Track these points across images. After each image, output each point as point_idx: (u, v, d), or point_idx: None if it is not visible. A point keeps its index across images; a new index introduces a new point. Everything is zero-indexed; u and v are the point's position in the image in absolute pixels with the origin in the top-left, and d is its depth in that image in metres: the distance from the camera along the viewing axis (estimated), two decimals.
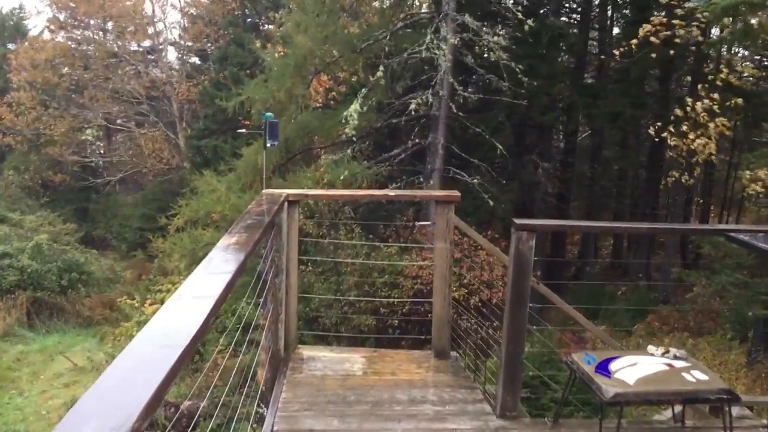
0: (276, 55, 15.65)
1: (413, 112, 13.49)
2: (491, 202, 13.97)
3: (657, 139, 11.91)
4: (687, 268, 16.37)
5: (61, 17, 30.67)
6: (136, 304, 13.07)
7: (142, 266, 21.89)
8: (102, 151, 32.28)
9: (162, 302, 13.54)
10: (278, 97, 13.47)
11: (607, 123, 18.19)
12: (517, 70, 13.57)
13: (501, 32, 14.69)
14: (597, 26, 21.65)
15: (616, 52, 13.13)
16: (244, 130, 13.95)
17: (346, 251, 12.68)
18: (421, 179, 14.45)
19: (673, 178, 13.42)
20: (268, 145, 3.80)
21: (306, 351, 4.30)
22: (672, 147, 11.75)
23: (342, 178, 12.84)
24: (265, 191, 4.05)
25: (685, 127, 11.22)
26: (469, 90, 15.48)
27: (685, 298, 15.13)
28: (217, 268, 2.36)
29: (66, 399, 11.71)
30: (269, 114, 3.79)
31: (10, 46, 32.37)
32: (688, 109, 11.25)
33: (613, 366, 2.94)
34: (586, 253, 21.48)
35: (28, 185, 28.47)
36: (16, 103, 28.46)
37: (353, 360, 4.24)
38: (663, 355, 3.10)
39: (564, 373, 7.99)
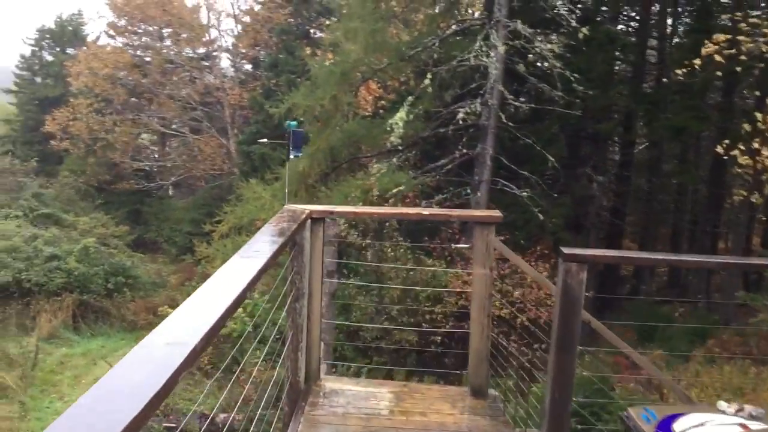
0: (325, 62, 15.48)
1: (461, 122, 13.08)
2: (541, 216, 13.40)
3: (726, 156, 11.14)
4: (748, 290, 15.46)
5: (120, 23, 31.34)
6: None
7: (190, 270, 21.98)
8: (156, 156, 32.79)
9: None
10: (324, 105, 13.25)
11: (668, 136, 17.38)
12: (572, 78, 13.03)
13: (554, 40, 14.16)
14: (656, 34, 20.82)
15: (678, 72, 12.42)
16: (265, 140, 13.71)
17: (389, 263, 12.33)
18: (468, 191, 14.00)
19: (741, 197, 12.64)
20: (292, 156, 3.45)
21: (329, 383, 3.94)
22: (741, 165, 10.97)
23: (387, 188, 12.54)
24: (287, 207, 3.73)
25: (756, 144, 10.47)
26: (520, 99, 14.96)
27: (747, 322, 14.24)
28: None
29: None
30: (293, 123, 3.45)
31: (69, 51, 33.19)
32: (759, 123, 10.51)
33: (676, 427, 2.50)
34: (641, 269, 20.59)
35: (83, 188, 29.05)
36: (75, 109, 29.12)
37: (380, 396, 3.87)
38: (736, 413, 2.64)
39: (616, 403, 7.45)
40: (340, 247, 11.63)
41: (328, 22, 23.16)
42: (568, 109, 14.11)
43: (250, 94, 27.17)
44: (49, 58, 34.61)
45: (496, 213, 3.91)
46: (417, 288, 11.76)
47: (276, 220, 3.45)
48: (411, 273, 12.04)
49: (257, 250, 2.73)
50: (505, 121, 13.45)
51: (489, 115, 13.54)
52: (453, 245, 11.56)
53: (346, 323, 11.19)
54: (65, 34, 34.44)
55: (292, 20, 27.81)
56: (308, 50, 20.89)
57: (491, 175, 13.77)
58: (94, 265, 18.03)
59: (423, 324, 11.75)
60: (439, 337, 11.57)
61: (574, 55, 14.56)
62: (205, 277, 13.73)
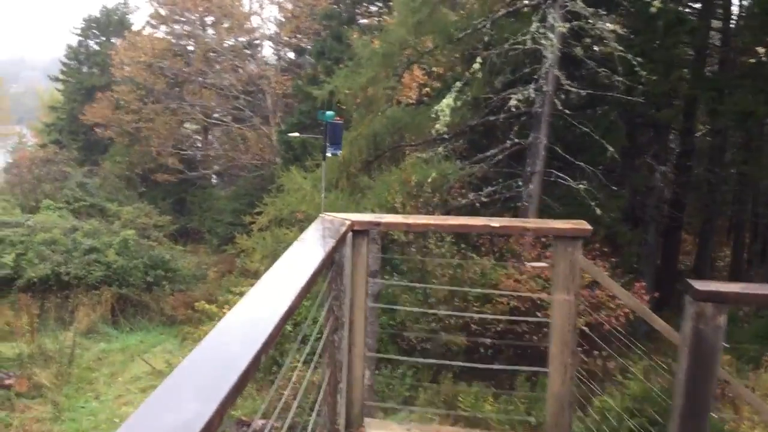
0: (367, 43, 14.82)
1: (513, 109, 12.25)
2: (599, 210, 12.52)
3: None
4: None
5: (163, 12, 31.21)
6: (215, 309, 12.58)
7: (230, 262, 21.69)
8: (199, 145, 32.67)
9: None
10: (366, 87, 12.59)
11: (733, 123, 16.21)
12: (634, 62, 12.09)
13: (615, 20, 13.18)
14: (721, 14, 19.51)
15: (745, 60, 11.35)
16: (296, 134, 13.13)
17: (435, 261, 11.66)
18: (520, 183, 13.19)
19: None
20: (329, 153, 2.85)
21: (373, 429, 3.29)
22: None
23: (431, 179, 11.83)
24: (324, 216, 3.08)
25: None
26: (576, 84, 14.02)
27: None
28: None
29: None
30: (330, 113, 2.85)
31: (115, 40, 33.25)
32: None
33: None
34: (703, 263, 19.46)
35: (127, 177, 29.08)
36: (117, 98, 29.14)
37: None
38: None
39: None
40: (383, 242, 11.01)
41: (374, 8, 22.55)
42: (628, 95, 13.13)
43: (293, 82, 26.71)
44: (95, 47, 34.80)
45: (584, 225, 3.16)
46: (467, 287, 11.05)
47: (311, 234, 2.81)
48: (458, 271, 11.35)
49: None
50: (560, 108, 12.58)
51: (543, 102, 12.69)
52: (528, 263, 10.73)
53: (391, 330, 10.58)
54: (111, 24, 34.57)
55: (335, 6, 27.21)
56: (356, 35, 20.21)
57: (545, 166, 12.93)
58: (133, 258, 17.78)
59: (471, 325, 11.07)
60: (489, 339, 10.87)
61: (637, 37, 13.57)
62: (243, 271, 13.33)
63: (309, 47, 27.92)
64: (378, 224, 3.15)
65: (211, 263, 22.40)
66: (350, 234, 3.00)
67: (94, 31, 34.85)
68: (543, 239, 11.65)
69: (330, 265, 2.84)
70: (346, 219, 3.04)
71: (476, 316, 10.82)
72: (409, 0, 12.40)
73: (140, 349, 14.94)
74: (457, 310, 11.04)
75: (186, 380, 1.40)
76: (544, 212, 13.11)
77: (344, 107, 13.66)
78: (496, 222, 3.15)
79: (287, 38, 30.70)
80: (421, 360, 10.29)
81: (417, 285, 10.71)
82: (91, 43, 35.01)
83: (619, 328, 10.37)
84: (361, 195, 12.87)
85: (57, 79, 36.02)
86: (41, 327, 15.33)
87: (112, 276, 17.34)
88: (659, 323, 2.88)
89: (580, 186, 12.59)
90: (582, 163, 13.10)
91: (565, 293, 3.06)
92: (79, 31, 34.79)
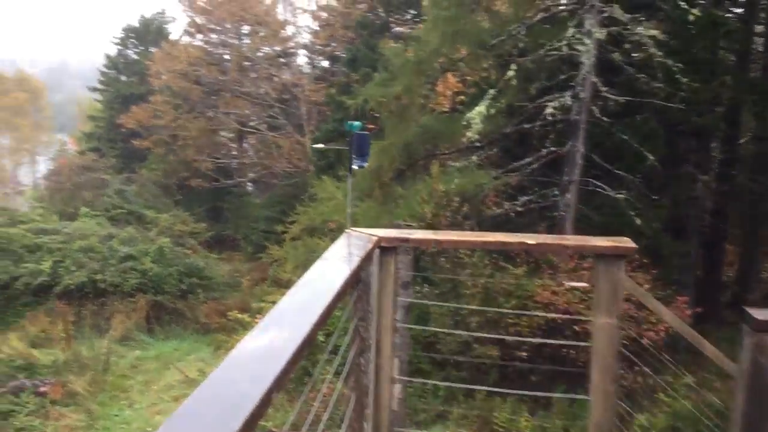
0: (400, 52, 14.70)
1: (549, 117, 11.99)
2: (638, 221, 12.16)
3: None
4: None
5: (199, 21, 31.61)
6: (247, 318, 12.55)
7: (264, 270, 21.71)
8: (235, 153, 32.93)
9: None
10: (399, 97, 12.46)
11: None
12: (675, 68, 11.74)
13: (654, 25, 12.85)
14: (763, 18, 18.95)
15: None
16: (322, 145, 13.00)
17: (467, 271, 11.44)
18: (556, 192, 12.90)
19: None
20: (355, 166, 2.72)
21: None
22: None
23: (463, 188, 11.63)
24: (350, 231, 2.94)
25: None
26: (614, 91, 13.69)
27: None
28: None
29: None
30: (357, 123, 2.71)
31: (153, 50, 33.78)
32: None
33: None
34: (746, 275, 18.82)
35: (165, 184, 29.44)
36: (155, 107, 29.56)
37: None
38: None
39: None
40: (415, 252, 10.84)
41: (408, 16, 22.49)
42: (668, 102, 12.76)
43: (327, 91, 26.78)
44: (134, 56, 35.39)
45: (627, 243, 2.95)
46: (502, 299, 10.82)
47: (335, 251, 2.67)
48: (491, 282, 11.10)
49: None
50: (598, 115, 12.28)
51: (580, 110, 12.40)
52: (567, 282, 10.45)
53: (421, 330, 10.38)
54: (149, 33, 35.14)
55: (370, 15, 27.22)
56: (391, 43, 20.14)
57: (582, 175, 12.62)
58: (168, 266, 17.92)
59: (506, 337, 10.80)
60: (524, 353, 10.61)
61: (677, 43, 13.20)
62: (276, 281, 13.26)
63: (343, 55, 27.98)
64: (406, 240, 2.99)
65: (245, 271, 22.48)
66: (377, 251, 2.85)
67: (133, 40, 35.46)
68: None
69: (356, 284, 2.70)
70: (372, 235, 2.89)
71: (508, 338, 10.57)
72: (441, 7, 12.25)
73: (174, 357, 14.99)
74: (491, 321, 10.81)
75: (187, 425, 1.27)
76: (581, 222, 12.80)
77: (377, 115, 13.56)
78: (532, 239, 2.96)
79: (321, 47, 30.84)
80: (450, 383, 10.08)
81: (450, 305, 10.50)
82: (130, 52, 35.64)
83: (657, 342, 10.05)
84: (394, 204, 12.73)
85: (96, 89, 36.72)
86: (77, 334, 15.49)
87: (148, 283, 17.49)
88: (710, 350, 2.66)
89: (619, 195, 12.27)
90: (621, 172, 12.76)
91: (607, 316, 2.85)
92: (118, 41, 35.44)
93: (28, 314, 16.51)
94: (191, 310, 17.67)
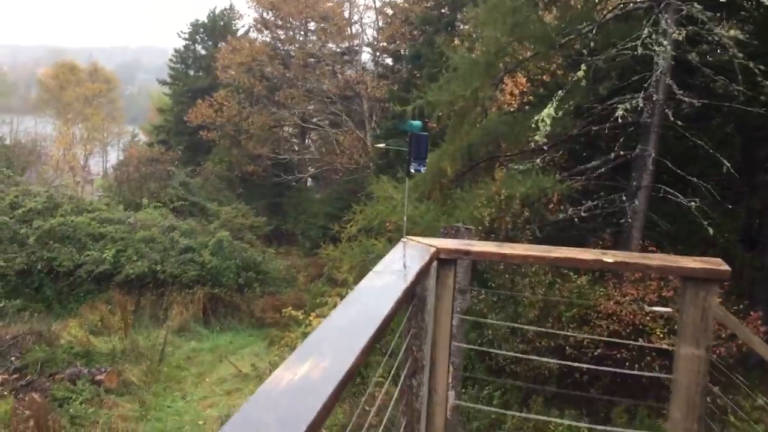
0: (464, 52, 14.37)
1: (620, 119, 11.47)
2: (711, 230, 11.52)
3: None
4: None
5: (267, 17, 31.97)
6: (301, 316, 12.50)
7: (321, 266, 21.73)
8: (296, 148, 33.20)
9: (325, 316, 13.03)
10: (461, 98, 12.14)
11: None
12: (756, 71, 11.05)
13: (734, 25, 12.16)
14: None
15: None
16: (382, 144, 12.76)
17: (526, 279, 11.07)
18: (624, 197, 12.36)
19: None
20: (413, 170, 2.51)
21: None
22: None
23: (523, 191, 11.24)
24: (406, 240, 2.72)
25: None
26: (689, 94, 13.02)
27: None
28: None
29: (223, 410, 11.35)
30: (417, 123, 2.49)
31: (220, 45, 34.35)
32: None
33: None
34: None
35: (228, 177, 29.89)
36: (219, 101, 30.05)
37: None
38: None
39: None
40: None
41: (466, 11, 22.05)
42: (747, 106, 12.04)
43: (389, 88, 26.65)
44: (202, 51, 36.08)
45: (721, 266, 2.59)
46: (563, 308, 10.40)
47: (389, 262, 2.46)
48: (550, 292, 10.71)
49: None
50: (671, 118, 11.67)
51: (653, 112, 11.83)
52: (648, 307, 9.89)
53: (476, 348, 10.09)
54: (216, 29, 35.71)
55: (433, 12, 26.93)
56: (450, 40, 19.81)
57: (652, 181, 12.05)
58: (226, 259, 18.07)
59: (566, 347, 10.41)
60: (585, 365, 10.18)
61: (760, 44, 12.45)
62: (331, 279, 13.16)
63: (406, 53, 27.81)
64: (467, 253, 2.75)
65: (302, 266, 22.58)
66: (435, 263, 2.63)
67: (201, 35, 36.13)
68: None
69: (410, 299, 2.48)
70: (430, 245, 2.66)
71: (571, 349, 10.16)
72: (507, 6, 11.87)
73: (229, 350, 15.10)
74: (550, 331, 10.42)
75: None
76: (649, 230, 12.26)
77: (440, 114, 13.28)
78: (610, 256, 2.66)
79: (385, 44, 30.73)
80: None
81: (511, 324, 10.16)
82: (198, 47, 36.34)
83: (729, 359, 9.47)
84: (453, 206, 12.45)
85: (165, 83, 37.62)
86: (136, 323, 15.79)
87: (206, 276, 17.69)
88: None
89: (692, 203, 11.64)
90: (693, 179, 12.12)
91: (693, 346, 2.52)
92: (186, 36, 36.18)
93: (89, 302, 16.95)
94: (247, 303, 17.79)
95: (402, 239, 2.76)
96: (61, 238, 17.85)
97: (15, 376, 11.88)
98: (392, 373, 2.46)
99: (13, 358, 12.61)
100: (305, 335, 12.75)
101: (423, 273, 2.46)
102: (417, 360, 2.51)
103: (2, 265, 17.01)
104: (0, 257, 17.04)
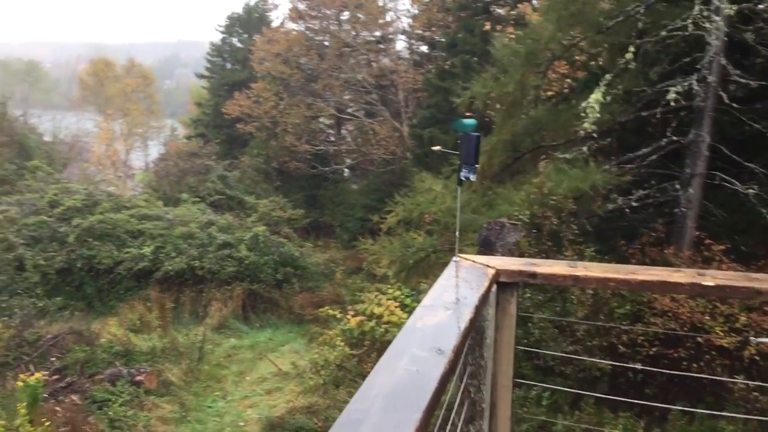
0: (506, 40, 13.83)
1: (673, 103, 10.85)
2: None
3: None
4: None
5: (301, 7, 31.71)
6: (338, 315, 12.23)
7: (360, 259, 21.47)
8: (332, 139, 32.96)
9: (364, 314, 12.79)
10: (507, 90, 11.65)
11: None
12: None
13: None
14: None
15: None
16: (438, 148, 12.42)
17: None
18: (677, 186, 11.74)
19: None
20: (463, 177, 2.17)
21: None
22: None
23: (570, 183, 10.72)
24: (458, 260, 2.35)
25: None
26: (745, 75, 12.27)
27: None
28: None
29: (264, 410, 11.16)
30: (470, 122, 2.15)
31: (256, 38, 34.25)
32: None
33: None
34: None
35: (265, 170, 29.80)
36: (256, 93, 29.95)
37: None
38: None
39: None
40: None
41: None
42: None
43: (425, 76, 26.16)
44: (238, 44, 36.07)
45: None
46: (615, 304, 9.90)
47: (441, 289, 2.09)
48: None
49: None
50: (727, 101, 11.01)
51: (706, 95, 11.17)
52: (755, 339, 9.18)
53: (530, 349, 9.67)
54: (252, 21, 35.64)
55: None
56: (488, 26, 19.24)
57: (707, 168, 11.41)
58: (264, 254, 17.91)
59: (619, 346, 9.91)
60: (639, 364, 9.68)
61: None
62: (369, 274, 12.83)
63: (441, 40, 27.26)
64: (533, 275, 2.36)
65: (341, 259, 22.33)
66: (495, 287, 2.25)
67: (237, 28, 36.12)
68: (714, 255, 10.28)
69: (471, 331, 2.11)
70: (488, 265, 2.29)
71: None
72: None
73: (269, 348, 14.93)
74: (601, 331, 9.94)
75: None
76: (704, 220, 11.63)
77: (490, 110, 12.83)
78: (709, 279, 2.25)
79: (420, 31, 30.20)
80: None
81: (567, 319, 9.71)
82: (234, 40, 36.35)
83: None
84: (495, 195, 12.02)
85: (203, 76, 37.74)
86: (175, 321, 15.72)
87: (244, 272, 17.55)
88: None
89: (750, 191, 10.97)
90: (751, 165, 11.43)
91: None
92: (223, 29, 36.21)
93: (128, 299, 16.96)
94: (286, 299, 17.60)
95: (453, 258, 2.38)
96: (101, 236, 17.91)
97: (55, 377, 11.88)
98: (444, 419, 2.10)
99: (53, 359, 12.63)
100: (344, 332, 12.49)
101: (482, 302, 2.09)
102: (475, 403, 2.15)
103: (43, 263, 17.14)
104: (40, 256, 17.17)
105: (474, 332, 2.16)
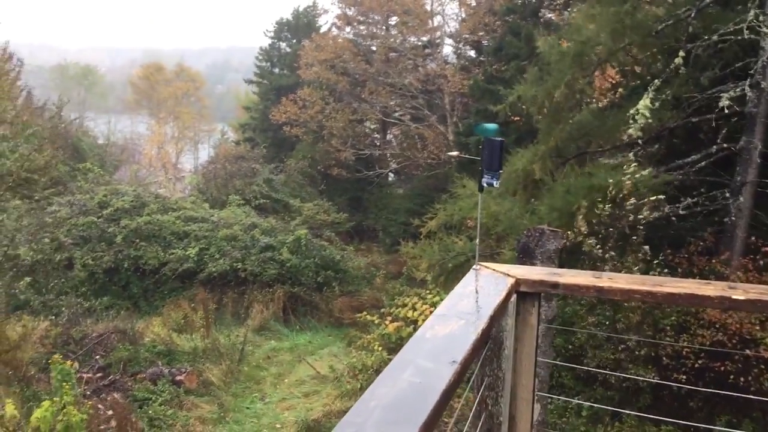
0: (555, 44, 13.65)
1: (726, 110, 10.53)
2: None
3: None
4: None
5: (350, 13, 31.92)
6: (376, 320, 12.22)
7: (401, 263, 21.45)
8: (378, 144, 33.04)
9: (399, 317, 12.76)
10: (553, 94, 11.48)
11: None
12: None
13: None
14: None
15: None
16: (456, 153, 12.18)
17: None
18: (727, 194, 11.38)
19: None
20: (485, 183, 2.12)
21: None
22: None
23: (620, 188, 10.48)
24: (478, 268, 2.31)
25: None
26: None
27: None
28: None
29: (301, 413, 11.21)
30: (491, 126, 2.10)
31: (304, 43, 34.60)
32: None
33: None
34: None
35: (310, 173, 30.06)
36: (302, 98, 30.25)
37: None
38: None
39: None
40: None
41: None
42: None
43: (475, 79, 25.99)
44: (286, 49, 36.51)
45: None
46: (659, 314, 9.63)
47: (458, 297, 2.06)
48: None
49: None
50: None
51: (759, 101, 10.82)
52: None
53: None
54: (300, 26, 36.03)
55: (518, 0, 26.04)
56: (537, 31, 19.00)
57: (759, 176, 11.04)
58: (305, 258, 18.03)
59: (663, 358, 9.65)
60: (684, 376, 9.41)
61: None
62: (409, 279, 12.81)
63: (488, 45, 27.08)
64: (555, 285, 2.29)
65: (383, 264, 22.34)
66: (514, 297, 2.21)
67: (286, 34, 36.56)
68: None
69: (483, 343, 2.07)
70: (508, 274, 2.24)
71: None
72: (608, 5, 11.12)
73: (308, 350, 15.03)
74: (648, 338, 9.69)
75: None
76: (756, 229, 11.25)
77: (530, 109, 12.67)
78: (740, 292, 2.16)
79: (467, 36, 30.05)
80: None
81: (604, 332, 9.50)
82: (283, 45, 36.79)
83: None
84: (537, 202, 11.85)
85: (252, 81, 38.33)
86: (217, 322, 15.96)
87: (285, 274, 17.70)
88: None
89: None
90: None
91: None
92: (271, 34, 36.71)
93: (173, 300, 17.27)
94: (326, 303, 17.69)
95: (474, 267, 2.34)
96: (147, 237, 18.31)
97: (99, 375, 12.18)
98: None
99: (98, 357, 12.96)
100: (382, 336, 12.48)
101: (500, 311, 2.04)
102: (492, 416, 2.10)
103: (91, 263, 17.57)
104: (89, 256, 17.62)
105: (491, 343, 2.11)
